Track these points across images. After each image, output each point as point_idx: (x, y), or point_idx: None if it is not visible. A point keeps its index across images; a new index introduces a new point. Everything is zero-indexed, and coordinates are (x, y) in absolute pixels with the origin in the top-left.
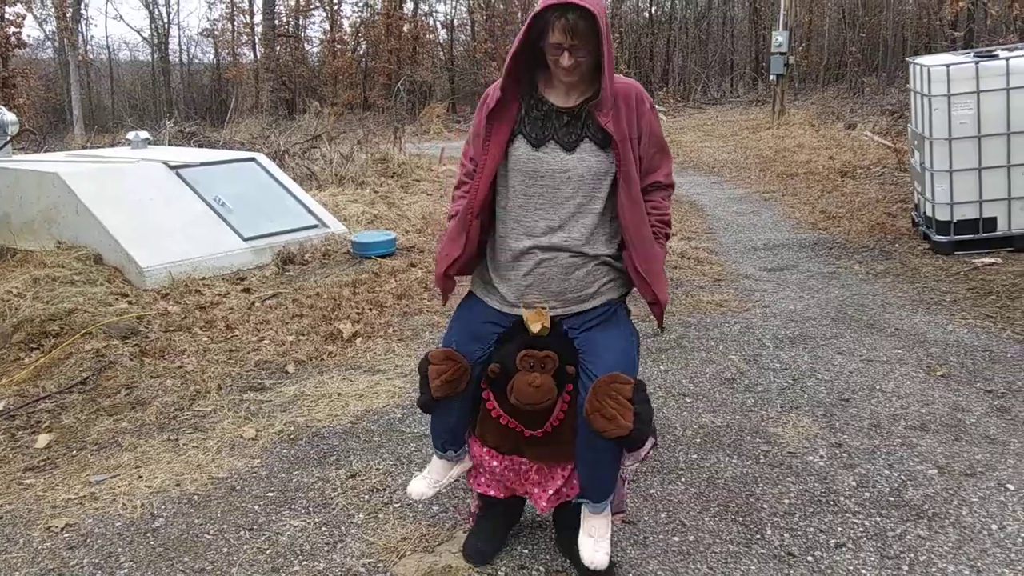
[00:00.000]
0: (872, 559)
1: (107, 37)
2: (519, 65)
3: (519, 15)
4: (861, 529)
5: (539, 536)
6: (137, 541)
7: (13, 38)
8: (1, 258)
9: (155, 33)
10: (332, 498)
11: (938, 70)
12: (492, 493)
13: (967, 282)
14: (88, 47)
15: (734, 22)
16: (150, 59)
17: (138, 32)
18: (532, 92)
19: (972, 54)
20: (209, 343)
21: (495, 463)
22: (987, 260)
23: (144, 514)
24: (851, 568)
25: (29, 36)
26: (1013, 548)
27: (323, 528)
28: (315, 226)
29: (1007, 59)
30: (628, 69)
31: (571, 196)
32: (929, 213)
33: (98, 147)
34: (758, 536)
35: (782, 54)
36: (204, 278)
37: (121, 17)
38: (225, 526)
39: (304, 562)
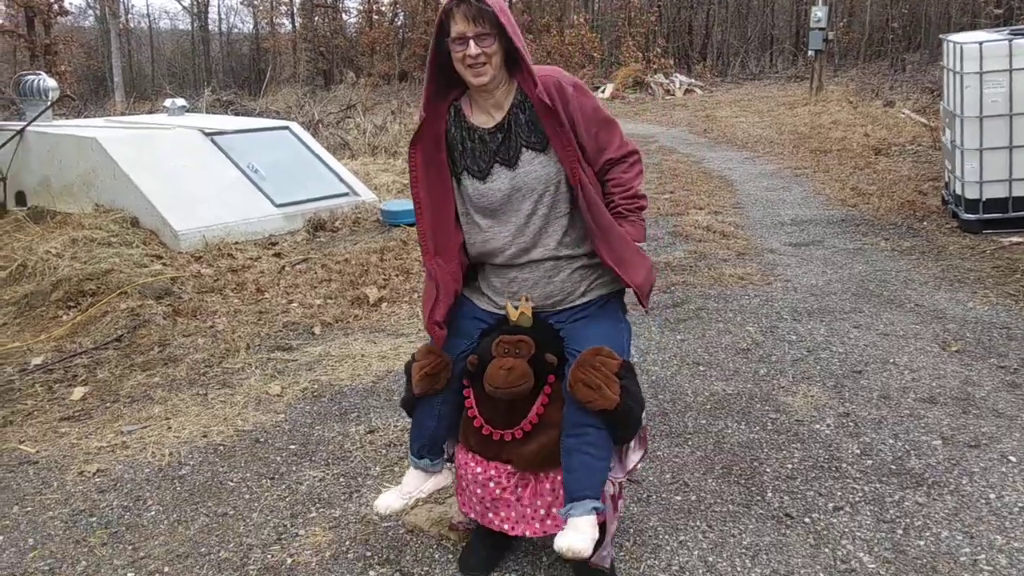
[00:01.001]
0: (868, 522)
1: (147, 5)
2: (439, 84)
3: None
4: (860, 494)
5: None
6: (164, 486)
7: (56, 6)
8: (41, 219)
9: (195, 2)
10: (351, 452)
11: (970, 47)
12: (472, 515)
13: (993, 260)
14: (129, 15)
15: None
16: (190, 28)
17: (178, 1)
18: (459, 121)
19: (1008, 32)
20: (240, 305)
21: (479, 469)
22: (1015, 239)
23: (172, 462)
24: (847, 530)
25: (71, 3)
26: (1008, 516)
27: (341, 479)
28: (346, 194)
29: None
30: (666, 43)
31: (532, 211)
32: (958, 191)
33: (136, 114)
34: (759, 498)
35: (821, 29)
36: (237, 242)
37: None
38: (248, 475)
39: (321, 509)
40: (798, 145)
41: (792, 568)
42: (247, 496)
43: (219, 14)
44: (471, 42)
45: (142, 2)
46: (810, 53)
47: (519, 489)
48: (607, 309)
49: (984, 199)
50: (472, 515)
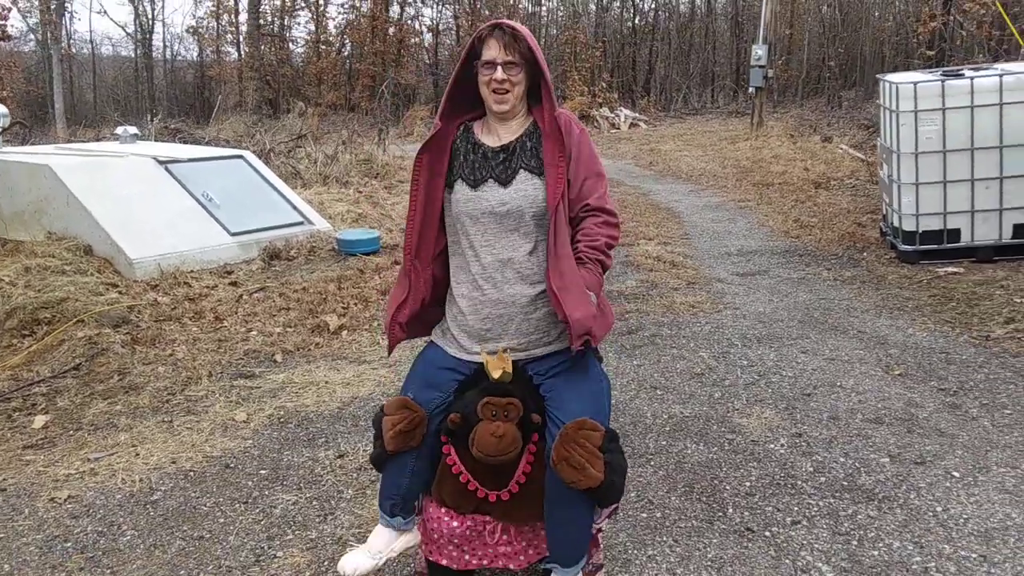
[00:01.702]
0: (825, 535)
1: (91, 32)
2: (456, 101)
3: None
4: (816, 509)
5: None
6: (137, 512)
7: None
8: None
9: (139, 29)
10: (322, 476)
11: (906, 87)
12: (444, 563)
13: (929, 290)
14: (71, 41)
15: (716, 34)
16: (132, 55)
17: (122, 28)
18: (468, 137)
19: (940, 73)
20: (199, 333)
21: (455, 523)
22: (950, 269)
23: (143, 488)
24: (805, 542)
25: (12, 27)
26: (955, 527)
27: (314, 502)
28: (301, 223)
29: (971, 79)
30: (611, 78)
31: (515, 229)
32: (896, 224)
33: (80, 141)
34: (720, 514)
35: (761, 67)
36: (192, 271)
37: (106, 12)
38: (221, 499)
39: (297, 531)
40: (741, 178)
41: None
42: (222, 520)
43: (164, 41)
44: (499, 68)
45: (84, 28)
46: (751, 90)
47: (497, 534)
48: (585, 360)
49: (920, 231)
50: (445, 561)
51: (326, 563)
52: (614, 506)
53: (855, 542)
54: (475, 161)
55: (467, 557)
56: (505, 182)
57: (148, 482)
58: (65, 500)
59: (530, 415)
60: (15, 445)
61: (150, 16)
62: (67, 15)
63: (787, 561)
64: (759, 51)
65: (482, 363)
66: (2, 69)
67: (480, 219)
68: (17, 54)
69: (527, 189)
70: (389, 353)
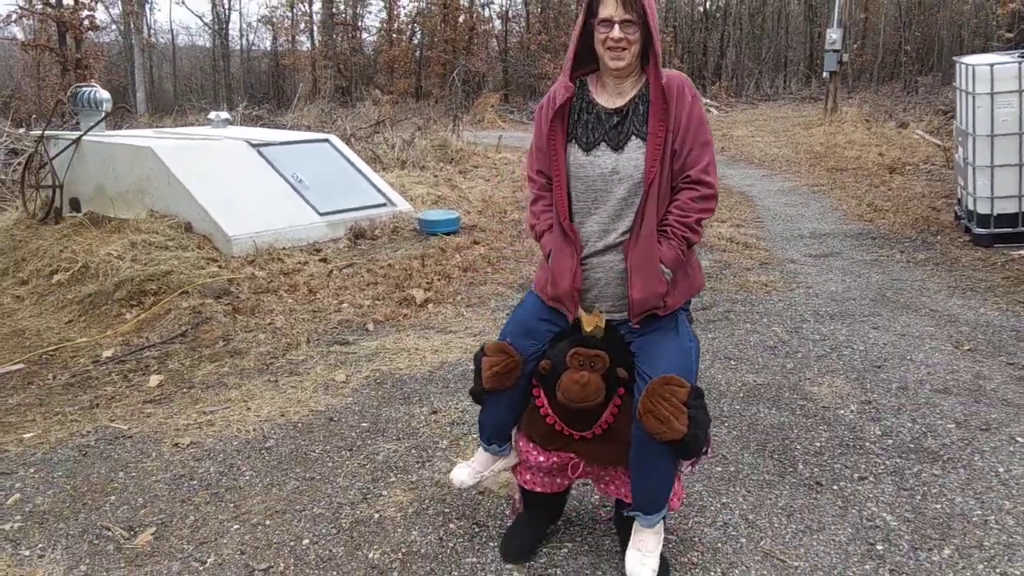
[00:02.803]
0: (890, 490)
1: (171, 22)
2: (579, 59)
3: (573, 7)
4: (882, 467)
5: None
6: (254, 456)
7: (87, 21)
8: (97, 225)
9: (216, 19)
10: (418, 429)
11: (982, 69)
12: (539, 489)
13: (1003, 272)
14: (151, 31)
15: (789, 18)
16: (209, 44)
17: (200, 17)
18: (583, 95)
19: (1017, 54)
20: (294, 304)
21: (542, 459)
22: None
23: (257, 436)
24: (871, 496)
25: (97, 18)
26: (1015, 487)
27: (413, 451)
28: (384, 204)
29: None
30: (681, 64)
31: (625, 197)
32: (970, 207)
33: (174, 127)
34: (791, 469)
35: (836, 51)
36: (284, 248)
37: (184, 2)
38: (328, 447)
39: (399, 475)
40: (814, 164)
41: (824, 525)
42: (330, 464)
43: (240, 31)
44: (616, 26)
45: (164, 18)
46: (825, 74)
47: (579, 470)
48: (677, 322)
49: (995, 214)
50: (539, 488)
51: (426, 502)
52: (703, 453)
53: (919, 497)
54: (588, 122)
55: (558, 480)
56: (617, 147)
57: (261, 432)
58: (188, 446)
59: (616, 369)
60: (135, 400)
61: (227, 6)
62: (147, 6)
63: (853, 511)
64: (833, 35)
65: (577, 317)
66: (90, 58)
67: (590, 185)
68: (98, 44)
69: (637, 156)
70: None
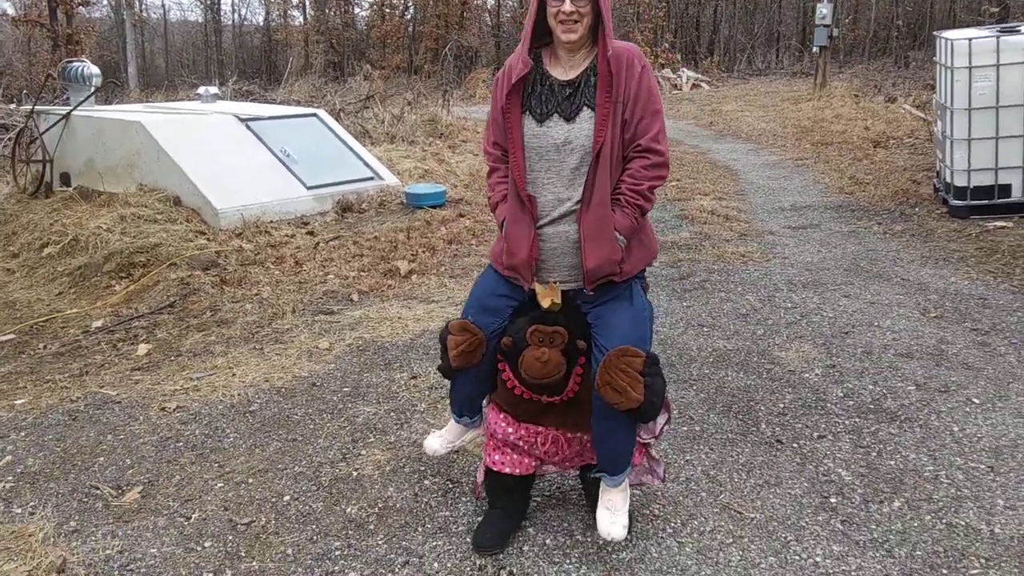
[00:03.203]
0: (847, 447)
1: None
2: (533, 36)
3: None
4: (841, 426)
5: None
6: (238, 419)
7: None
8: (87, 199)
9: None
10: (397, 393)
11: (960, 43)
12: (507, 470)
13: (976, 243)
14: (143, 6)
15: None
16: (200, 20)
17: None
18: (538, 68)
19: (996, 29)
20: (281, 276)
21: (510, 429)
22: (999, 224)
23: (241, 400)
24: (828, 453)
25: None
26: (967, 444)
27: (392, 413)
28: (371, 178)
29: None
30: (674, 39)
31: (577, 167)
32: (948, 179)
33: (164, 101)
34: (753, 428)
35: (826, 26)
36: (271, 221)
37: None
38: (310, 411)
39: (378, 436)
40: (800, 138)
41: (781, 479)
42: (311, 427)
43: (232, 6)
44: (567, 0)
45: None
46: (815, 49)
47: (552, 445)
48: (632, 291)
49: (972, 186)
50: (508, 468)
51: (403, 460)
52: (663, 426)
53: (874, 454)
54: (542, 93)
55: (526, 460)
56: (569, 117)
57: (245, 396)
58: (174, 410)
59: (575, 342)
60: (123, 368)
61: None
62: None
63: (810, 467)
64: (824, 9)
65: (534, 290)
66: (81, 34)
67: (545, 155)
68: (90, 20)
69: (588, 126)
70: (530, 284)
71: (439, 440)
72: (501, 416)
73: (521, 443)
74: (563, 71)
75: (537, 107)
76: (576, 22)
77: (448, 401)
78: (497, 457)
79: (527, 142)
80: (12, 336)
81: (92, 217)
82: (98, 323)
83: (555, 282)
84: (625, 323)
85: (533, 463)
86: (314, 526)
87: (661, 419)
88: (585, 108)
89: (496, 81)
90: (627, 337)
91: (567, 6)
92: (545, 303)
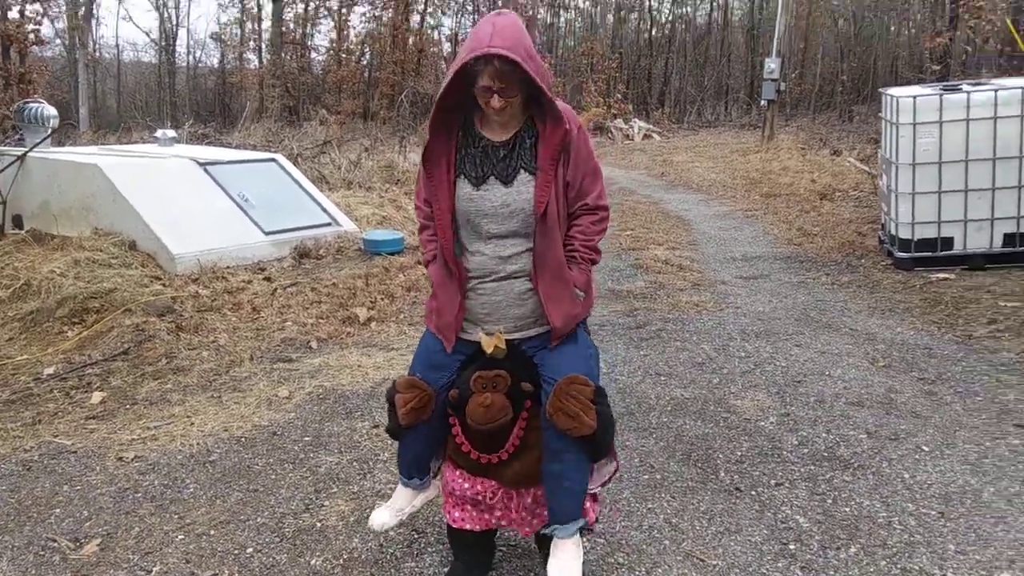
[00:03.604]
0: (803, 494)
1: (117, 37)
2: (449, 108)
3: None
4: (798, 474)
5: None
6: (198, 469)
7: (32, 35)
8: (40, 242)
9: (163, 35)
10: (359, 442)
11: (905, 100)
12: (468, 526)
13: (921, 294)
14: (97, 46)
15: (732, 47)
16: (155, 61)
17: (146, 33)
18: (468, 129)
19: (940, 87)
20: (238, 323)
21: (467, 485)
22: (942, 275)
23: (201, 450)
24: (786, 500)
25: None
26: (919, 490)
27: (354, 463)
28: (329, 224)
29: (968, 93)
30: (627, 90)
31: (517, 229)
32: (893, 232)
33: (117, 144)
34: (713, 476)
35: (774, 80)
36: (228, 267)
37: (131, 18)
38: (271, 460)
39: (340, 486)
40: (750, 189)
41: (741, 527)
42: (273, 477)
43: (187, 48)
44: (495, 96)
45: (110, 33)
46: (763, 103)
47: (505, 500)
48: (576, 334)
49: (916, 239)
50: (468, 525)
51: (367, 511)
52: (613, 472)
53: (830, 500)
54: (476, 156)
55: (486, 516)
56: (507, 181)
57: (204, 446)
58: (132, 460)
59: (520, 385)
60: (78, 416)
61: (175, 23)
62: (93, 20)
63: (769, 514)
64: (772, 64)
65: (480, 342)
66: (34, 73)
67: (483, 218)
68: (43, 59)
69: (527, 190)
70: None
71: (388, 512)
72: (457, 472)
73: (479, 498)
74: (495, 132)
75: (472, 170)
76: (505, 108)
77: (397, 473)
78: (457, 514)
79: (464, 206)
80: None
81: (45, 261)
82: (50, 370)
83: (500, 331)
84: (571, 359)
85: (492, 519)
86: None
87: (609, 467)
88: (523, 171)
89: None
90: (575, 370)
91: (496, 102)
92: (489, 349)
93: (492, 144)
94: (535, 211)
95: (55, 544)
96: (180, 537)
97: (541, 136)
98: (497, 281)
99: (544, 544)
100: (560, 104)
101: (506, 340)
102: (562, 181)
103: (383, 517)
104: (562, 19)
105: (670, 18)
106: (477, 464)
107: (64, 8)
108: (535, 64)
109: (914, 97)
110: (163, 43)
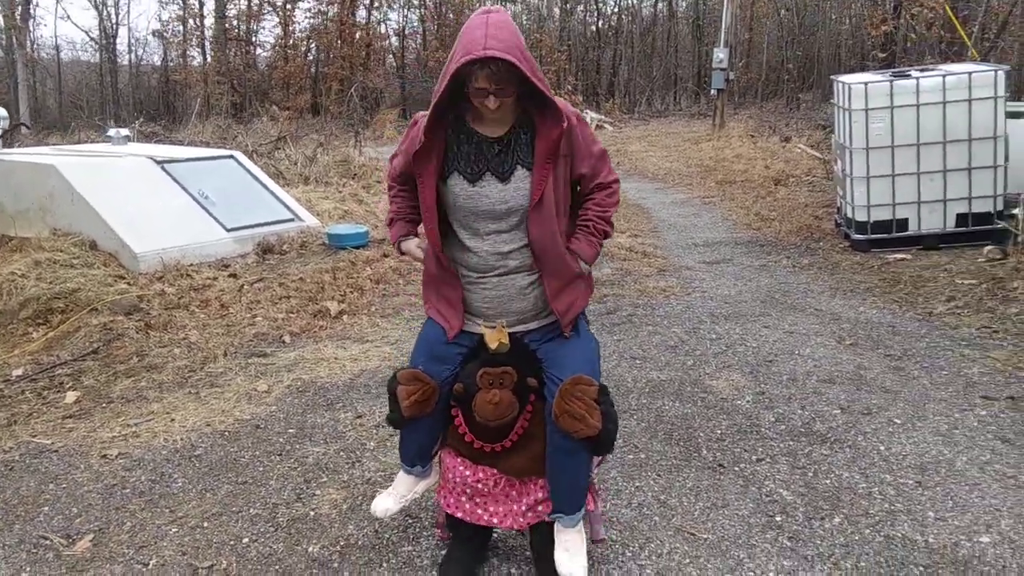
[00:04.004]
0: (785, 469)
1: (55, 37)
2: (441, 107)
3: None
4: (777, 449)
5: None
6: (184, 464)
7: None
8: None
9: (103, 34)
10: (344, 432)
11: (858, 87)
12: (459, 515)
13: (879, 274)
14: (35, 46)
15: (678, 37)
16: (95, 60)
17: (86, 32)
18: (461, 126)
19: (889, 74)
20: (207, 319)
21: (468, 472)
22: (898, 256)
23: (185, 445)
24: (768, 475)
25: None
26: (895, 461)
27: (341, 453)
28: (291, 220)
29: (917, 79)
30: (576, 80)
31: (517, 223)
32: (849, 215)
33: (58, 144)
34: (696, 454)
35: (723, 70)
36: (191, 264)
37: (69, 17)
38: (258, 453)
39: (330, 475)
40: (705, 177)
41: (728, 501)
42: (261, 469)
43: (128, 46)
44: (491, 96)
45: (49, 32)
46: (712, 92)
47: (506, 489)
48: (578, 327)
49: (872, 221)
50: (460, 514)
51: (359, 499)
52: (601, 457)
53: (811, 473)
54: (470, 152)
55: (479, 511)
56: (504, 177)
57: (188, 441)
58: (116, 456)
59: (525, 380)
60: (53, 416)
61: (114, 21)
62: (31, 20)
63: (753, 489)
64: (720, 54)
65: (482, 334)
66: None
67: (480, 215)
68: None
69: (525, 186)
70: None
71: (391, 498)
72: (459, 460)
73: (479, 485)
74: (489, 128)
75: (467, 167)
76: (500, 107)
77: (398, 452)
78: (452, 500)
79: (461, 203)
80: None
81: (4, 263)
82: (18, 371)
83: (502, 324)
84: (576, 356)
85: (485, 516)
86: (277, 567)
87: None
88: (519, 167)
89: (413, 121)
90: (579, 369)
91: (492, 103)
92: (493, 345)
93: (486, 140)
94: (530, 201)
95: (47, 541)
96: (174, 530)
97: (538, 131)
98: (499, 276)
99: (539, 543)
100: (558, 99)
101: (508, 334)
102: (568, 177)
103: (386, 503)
104: (510, 12)
105: (616, 10)
106: (480, 452)
107: (0, 8)
108: (530, 63)
109: (865, 84)
110: (103, 41)
